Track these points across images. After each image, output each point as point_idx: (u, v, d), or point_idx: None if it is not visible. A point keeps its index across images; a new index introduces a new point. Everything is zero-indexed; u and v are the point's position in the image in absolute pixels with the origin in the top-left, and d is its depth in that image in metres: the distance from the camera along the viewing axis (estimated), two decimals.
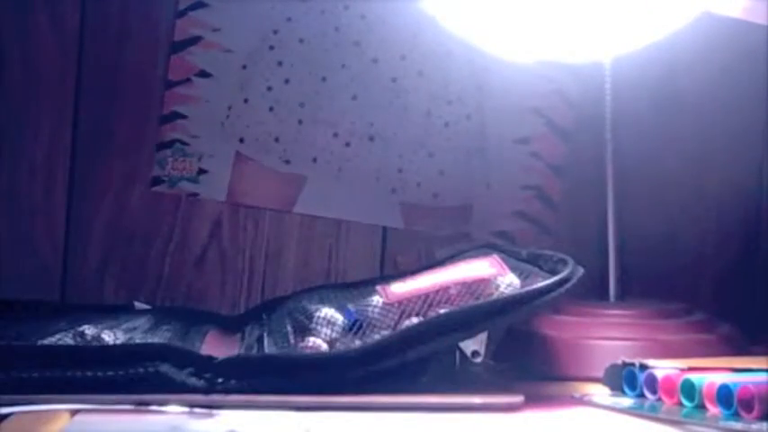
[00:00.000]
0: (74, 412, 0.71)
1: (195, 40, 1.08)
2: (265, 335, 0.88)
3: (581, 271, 0.82)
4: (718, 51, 1.09)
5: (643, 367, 0.79)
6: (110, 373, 0.74)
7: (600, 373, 0.82)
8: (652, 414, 0.75)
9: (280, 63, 1.09)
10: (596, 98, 1.01)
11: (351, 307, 0.84)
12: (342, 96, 1.10)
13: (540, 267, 0.85)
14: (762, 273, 1.11)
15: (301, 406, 0.73)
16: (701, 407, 0.74)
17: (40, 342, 0.81)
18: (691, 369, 0.76)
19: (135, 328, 0.89)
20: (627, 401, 0.78)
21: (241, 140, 1.09)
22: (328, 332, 0.83)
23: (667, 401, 0.76)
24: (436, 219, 1.10)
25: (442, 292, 0.83)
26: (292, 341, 0.83)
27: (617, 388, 0.81)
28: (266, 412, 0.72)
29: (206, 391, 0.74)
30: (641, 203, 1.10)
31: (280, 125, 1.09)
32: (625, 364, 0.80)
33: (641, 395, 0.79)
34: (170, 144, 1.08)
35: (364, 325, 0.82)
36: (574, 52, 0.94)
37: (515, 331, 0.94)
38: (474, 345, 0.83)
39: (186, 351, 0.78)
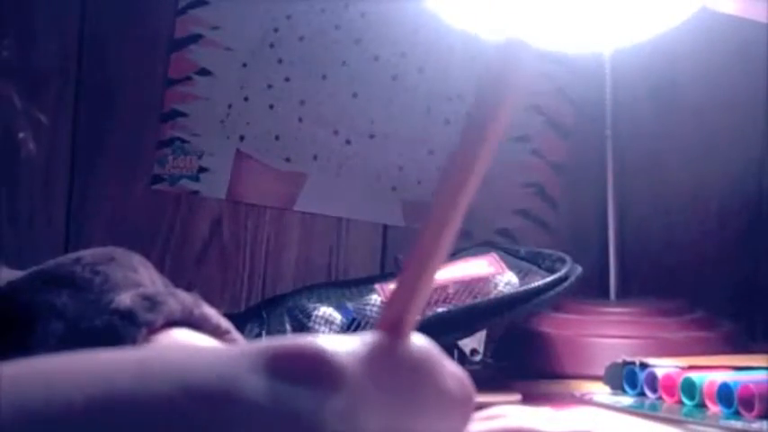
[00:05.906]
0: None
1: (195, 38, 1.08)
2: (264, 333, 0.88)
3: (579, 269, 0.82)
4: (718, 49, 1.09)
5: (643, 366, 0.79)
6: None
7: (600, 372, 0.82)
8: (652, 412, 0.75)
9: (280, 61, 1.09)
10: (596, 96, 1.01)
11: (349, 306, 0.84)
12: (342, 94, 1.09)
13: (539, 266, 0.85)
14: (762, 272, 1.11)
15: None
16: (702, 405, 0.74)
17: None
18: (691, 367, 0.76)
19: None
20: (627, 400, 0.78)
21: (241, 138, 1.09)
22: (326, 331, 0.82)
23: (668, 400, 0.76)
24: None
25: (440, 291, 0.83)
26: None
27: (617, 386, 0.81)
28: None
29: None
30: (641, 202, 1.09)
31: (280, 123, 1.09)
32: (625, 363, 0.80)
33: (642, 393, 0.78)
34: (170, 142, 1.08)
35: (362, 324, 0.82)
36: (574, 47, 0.94)
37: (515, 329, 0.94)
38: (473, 343, 0.83)
39: None
